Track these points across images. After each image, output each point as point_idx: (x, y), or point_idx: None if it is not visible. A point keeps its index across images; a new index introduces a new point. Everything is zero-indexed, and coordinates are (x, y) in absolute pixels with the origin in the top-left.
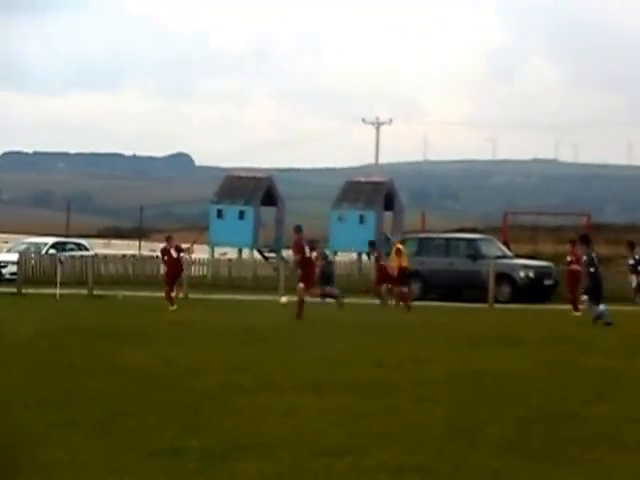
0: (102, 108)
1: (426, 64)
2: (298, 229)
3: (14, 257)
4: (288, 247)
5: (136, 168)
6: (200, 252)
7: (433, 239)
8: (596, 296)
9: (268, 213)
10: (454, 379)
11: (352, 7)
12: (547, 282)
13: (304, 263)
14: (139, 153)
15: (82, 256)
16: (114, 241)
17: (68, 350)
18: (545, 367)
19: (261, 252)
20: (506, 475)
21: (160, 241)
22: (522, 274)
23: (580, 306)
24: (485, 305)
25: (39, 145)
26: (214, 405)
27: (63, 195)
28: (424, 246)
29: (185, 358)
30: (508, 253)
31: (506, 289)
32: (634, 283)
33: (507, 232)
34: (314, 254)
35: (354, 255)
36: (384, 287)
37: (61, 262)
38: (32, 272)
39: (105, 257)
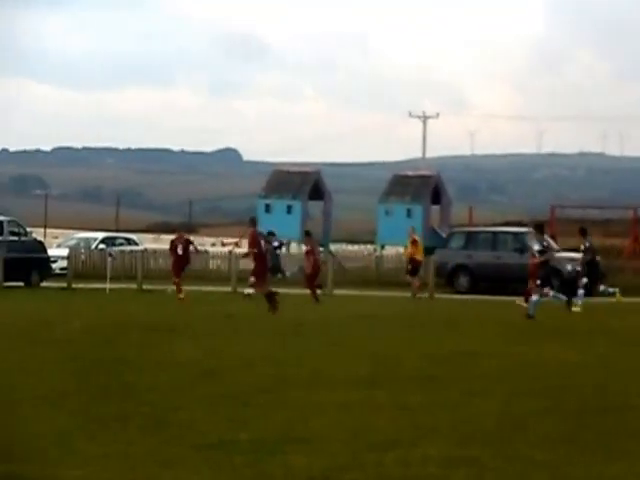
0: (151, 103)
1: (473, 57)
2: (253, 222)
3: (64, 252)
4: (336, 241)
5: (185, 163)
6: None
7: (480, 233)
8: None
9: (315, 207)
10: (504, 372)
11: (399, 1)
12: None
13: (257, 257)
14: (188, 148)
15: (132, 251)
16: (163, 236)
17: (118, 344)
18: (597, 359)
19: None
20: (558, 467)
21: (209, 236)
22: (569, 267)
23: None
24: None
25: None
26: (264, 399)
27: (112, 190)
28: (471, 240)
29: (235, 351)
30: (555, 246)
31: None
32: None
33: (554, 225)
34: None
35: (401, 249)
36: (415, 279)
37: (111, 257)
38: (82, 267)
39: (154, 252)
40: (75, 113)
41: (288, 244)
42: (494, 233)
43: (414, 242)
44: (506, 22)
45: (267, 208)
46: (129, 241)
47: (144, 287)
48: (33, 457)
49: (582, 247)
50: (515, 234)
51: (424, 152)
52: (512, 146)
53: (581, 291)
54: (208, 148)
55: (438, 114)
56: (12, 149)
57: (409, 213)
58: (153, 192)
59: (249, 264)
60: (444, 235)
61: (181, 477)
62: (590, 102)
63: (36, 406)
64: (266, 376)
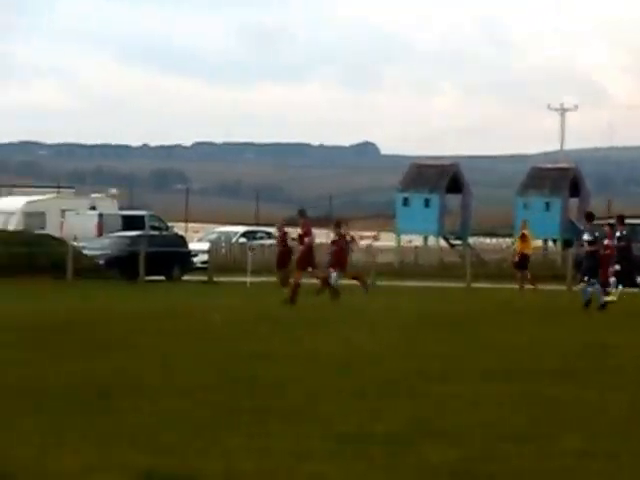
0: (289, 98)
1: (611, 48)
2: (302, 213)
3: (205, 246)
4: (475, 234)
5: (323, 157)
6: (386, 240)
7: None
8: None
9: (454, 200)
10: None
11: None
12: None
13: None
14: (326, 143)
15: (272, 245)
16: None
17: (259, 338)
18: None
19: (447, 239)
20: None
21: (352, 229)
22: None
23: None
24: None
25: (227, 135)
26: (400, 391)
27: (251, 185)
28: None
29: (372, 344)
30: None
31: None
32: None
33: None
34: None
35: (539, 242)
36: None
37: (252, 250)
38: (223, 260)
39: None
40: (214, 108)
41: (426, 238)
42: (632, 225)
43: (523, 236)
44: None
45: (405, 202)
46: (269, 235)
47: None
48: (175, 450)
49: (618, 235)
50: None
51: (562, 144)
52: None
53: (613, 279)
54: (346, 142)
55: (577, 106)
56: (152, 144)
57: (547, 206)
58: (292, 186)
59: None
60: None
61: (319, 469)
62: None
63: (178, 399)
64: (402, 369)
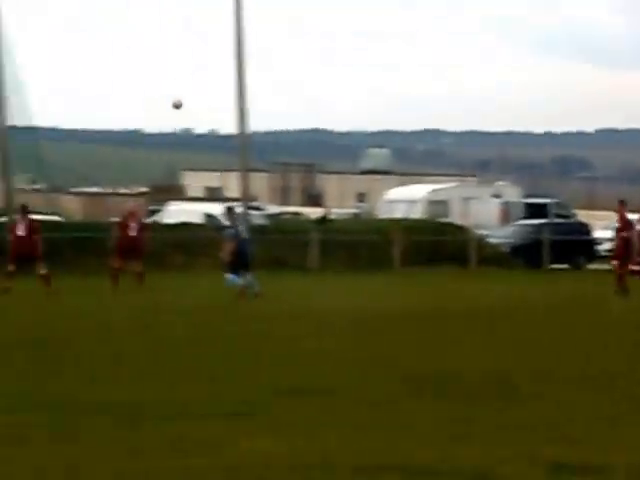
0: None
1: None
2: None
3: (609, 234)
4: None
5: None
6: None
7: None
8: None
9: None
10: None
11: None
12: None
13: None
14: None
15: None
16: None
17: None
18: None
19: None
20: None
21: None
22: None
23: None
24: None
25: (629, 121)
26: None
27: None
28: None
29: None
30: None
31: None
32: None
33: None
34: None
35: None
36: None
37: None
38: None
39: None
40: (615, 94)
41: None
42: None
43: None
44: None
45: None
46: None
47: None
48: (582, 441)
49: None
50: None
51: None
52: None
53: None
54: None
55: None
56: (555, 130)
57: None
58: None
59: None
60: None
61: None
62: None
63: (581, 389)
64: None
